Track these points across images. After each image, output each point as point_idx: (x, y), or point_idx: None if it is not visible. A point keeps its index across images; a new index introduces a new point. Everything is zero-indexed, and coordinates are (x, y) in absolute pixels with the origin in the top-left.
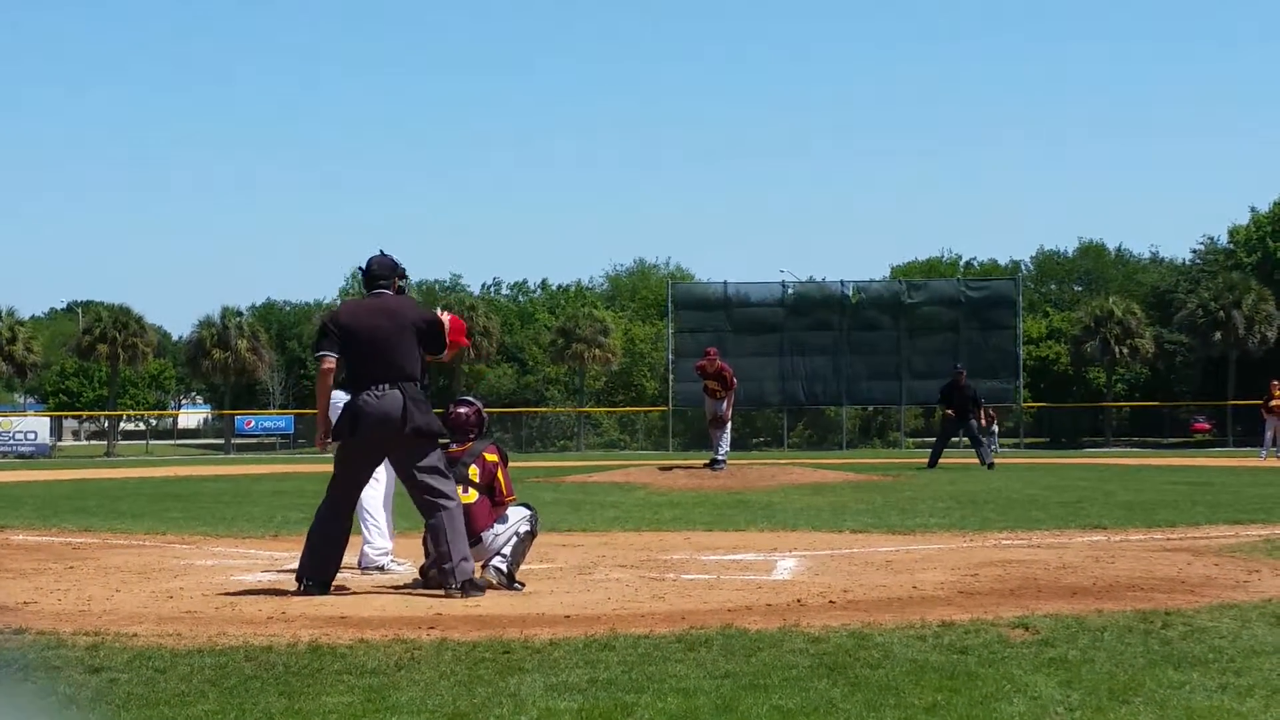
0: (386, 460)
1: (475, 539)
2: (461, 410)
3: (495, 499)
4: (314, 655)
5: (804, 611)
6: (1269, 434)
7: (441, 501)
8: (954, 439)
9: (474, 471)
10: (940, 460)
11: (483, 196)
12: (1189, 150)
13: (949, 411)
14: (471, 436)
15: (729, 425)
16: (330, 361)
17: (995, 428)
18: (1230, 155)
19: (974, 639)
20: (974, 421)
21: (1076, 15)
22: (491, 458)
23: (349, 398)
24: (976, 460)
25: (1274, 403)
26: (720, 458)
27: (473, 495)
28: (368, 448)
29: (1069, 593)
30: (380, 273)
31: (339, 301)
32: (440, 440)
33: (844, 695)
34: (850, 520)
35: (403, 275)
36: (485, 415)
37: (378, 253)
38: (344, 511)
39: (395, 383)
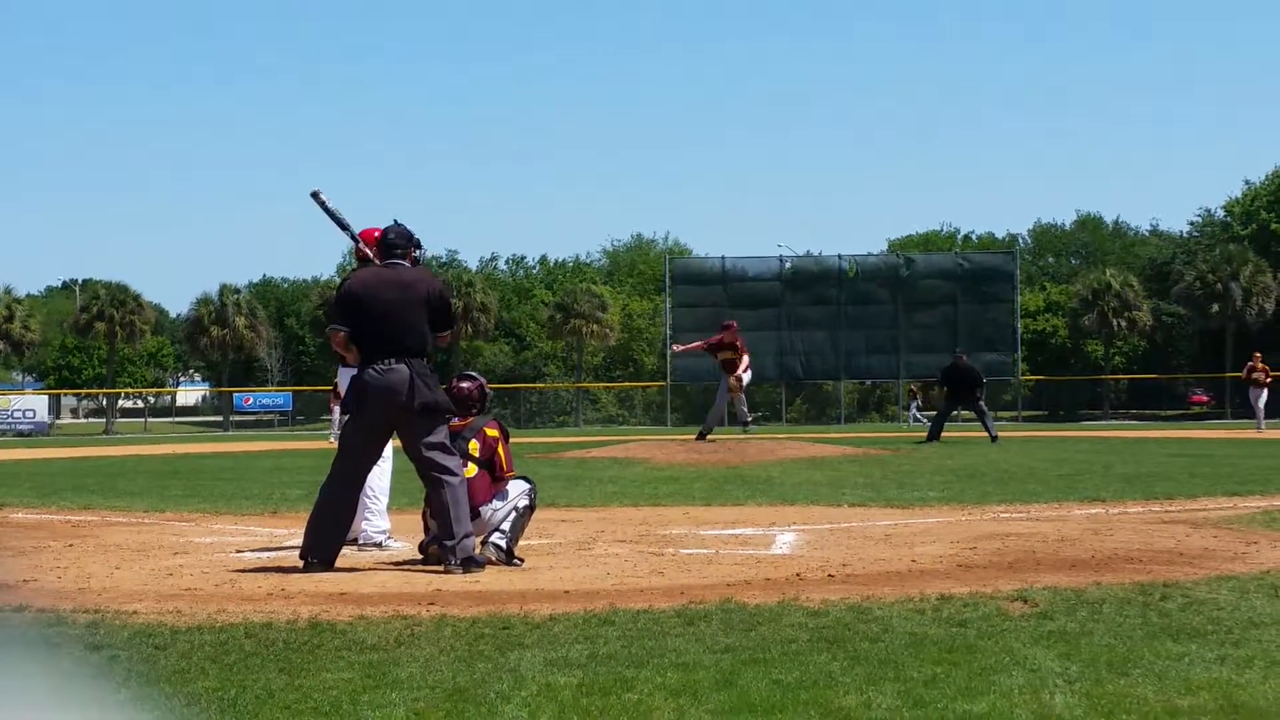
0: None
1: (474, 514)
2: (465, 385)
3: (495, 474)
4: (314, 631)
5: (803, 585)
6: (1259, 405)
7: (446, 478)
8: (954, 413)
9: (474, 446)
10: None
11: (480, 172)
12: (1186, 123)
13: (945, 389)
14: (474, 411)
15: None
16: (341, 335)
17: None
18: (1227, 128)
19: (973, 612)
20: (980, 397)
21: None
22: (492, 433)
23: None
24: (978, 434)
25: (1255, 374)
26: (749, 419)
27: (472, 470)
28: (374, 423)
29: (1068, 565)
30: (397, 242)
31: (336, 278)
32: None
33: (844, 668)
34: (849, 494)
35: (418, 246)
36: (488, 391)
37: (393, 222)
38: (349, 487)
39: (402, 357)
